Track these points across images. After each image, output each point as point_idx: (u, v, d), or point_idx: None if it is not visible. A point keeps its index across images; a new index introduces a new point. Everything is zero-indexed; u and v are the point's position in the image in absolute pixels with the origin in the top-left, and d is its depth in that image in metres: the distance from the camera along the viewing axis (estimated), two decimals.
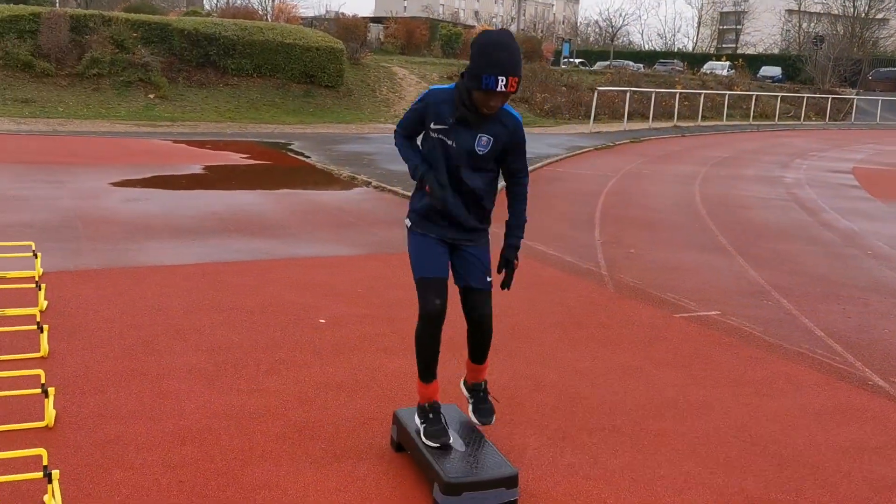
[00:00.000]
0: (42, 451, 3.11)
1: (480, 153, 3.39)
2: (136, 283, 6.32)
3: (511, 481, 3.35)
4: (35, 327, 4.76)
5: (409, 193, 10.79)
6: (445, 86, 3.43)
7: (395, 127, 3.65)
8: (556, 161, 16.79)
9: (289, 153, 15.91)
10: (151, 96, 23.50)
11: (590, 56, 65.48)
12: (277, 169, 13.99)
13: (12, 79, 22.74)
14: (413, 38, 38.36)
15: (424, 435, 3.51)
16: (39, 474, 3.05)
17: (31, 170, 11.82)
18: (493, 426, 4.11)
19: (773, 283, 7.53)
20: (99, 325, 5.32)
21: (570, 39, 59.72)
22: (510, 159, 3.49)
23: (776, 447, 4.10)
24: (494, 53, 3.14)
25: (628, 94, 28.09)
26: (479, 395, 3.77)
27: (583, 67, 49.63)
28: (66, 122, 19.76)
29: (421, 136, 3.54)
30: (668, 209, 11.75)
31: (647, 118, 29.21)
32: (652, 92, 29.92)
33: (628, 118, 27.89)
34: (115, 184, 11.10)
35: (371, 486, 3.49)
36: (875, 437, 4.29)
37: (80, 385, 4.35)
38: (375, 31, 38.94)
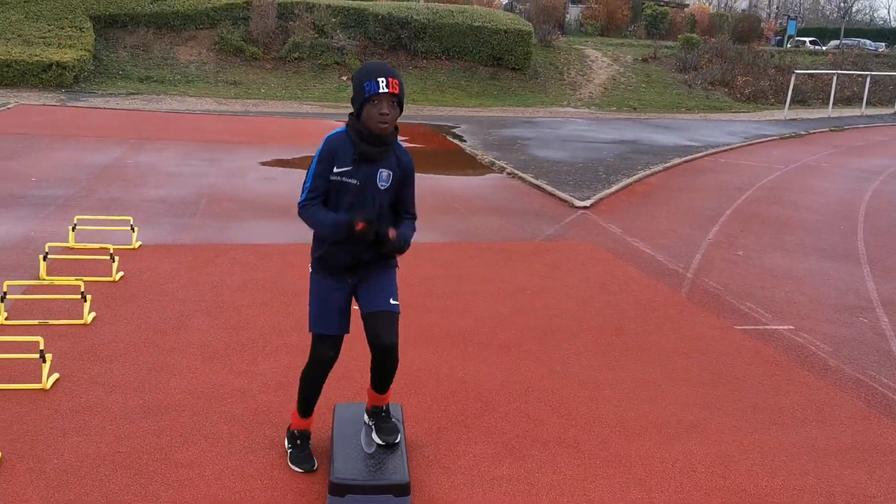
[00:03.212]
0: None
1: (382, 188, 3.40)
2: (212, 260, 6.79)
3: (402, 489, 3.31)
4: (80, 297, 5.28)
5: (538, 182, 10.72)
6: (338, 129, 3.42)
7: (299, 204, 3.43)
8: (723, 150, 15.77)
9: (447, 136, 16.18)
10: (344, 78, 24.76)
11: (823, 35, 60.22)
12: (424, 152, 14.28)
13: (225, 62, 24.88)
14: (613, 18, 37.34)
15: (291, 460, 3.65)
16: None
17: (200, 148, 12.92)
18: (444, 429, 4.06)
19: (886, 300, 6.69)
20: (151, 297, 5.79)
21: (796, 17, 55.10)
22: (401, 193, 3.49)
23: (748, 486, 3.70)
24: (368, 68, 3.31)
25: (835, 78, 25.64)
26: (380, 416, 3.69)
27: (812, 47, 45.80)
28: (262, 102, 21.31)
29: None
30: (819, 208, 10.71)
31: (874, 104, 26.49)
32: (867, 75, 27.09)
33: (848, 104, 25.48)
34: (264, 163, 11.88)
35: (286, 476, 3.58)
36: (887, 486, 3.75)
37: (97, 353, 4.78)
38: (574, 12, 38.31)
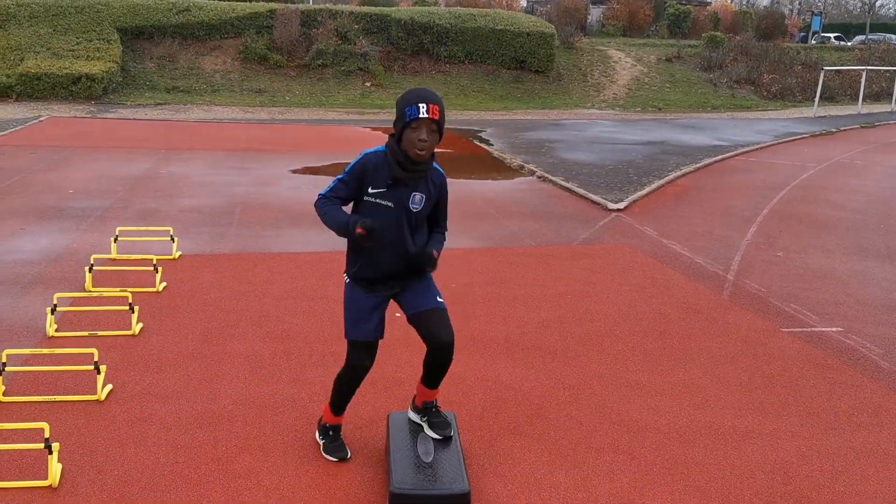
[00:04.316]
0: (44, 425, 3.52)
1: (415, 210, 3.46)
2: (251, 269, 6.82)
3: (462, 499, 3.29)
4: (127, 308, 5.33)
5: (569, 185, 10.69)
6: (377, 149, 3.47)
7: (319, 195, 3.55)
8: (754, 150, 15.63)
9: (474, 140, 16.17)
10: (368, 84, 24.85)
11: (847, 30, 59.53)
12: (452, 157, 14.28)
13: (249, 70, 25.04)
14: (636, 18, 37.15)
15: (324, 450, 3.78)
16: (41, 445, 3.48)
17: (230, 157, 13.01)
18: (497, 437, 4.05)
19: None
20: (196, 307, 5.83)
21: (820, 13, 54.54)
22: (435, 209, 3.60)
23: (810, 492, 3.65)
24: (412, 93, 3.39)
25: (864, 74, 25.34)
26: (431, 411, 3.74)
27: (838, 43, 45.29)
28: (287, 110, 21.42)
29: (350, 204, 3.56)
30: (858, 207, 10.57)
31: None
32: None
33: (877, 100, 25.17)
34: (294, 171, 11.94)
35: (343, 486, 3.58)
36: None
37: (147, 363, 4.82)
38: (596, 13, 38.20)
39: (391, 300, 3.64)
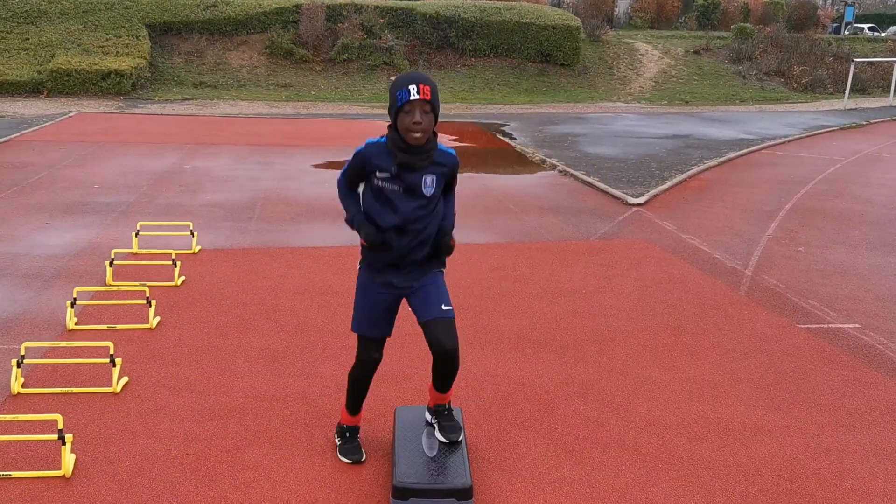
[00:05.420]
0: (58, 417, 3.61)
1: (428, 194, 3.45)
2: (269, 263, 6.90)
3: (464, 493, 3.33)
4: (145, 302, 5.42)
5: (590, 179, 10.65)
6: (379, 138, 3.48)
7: (340, 172, 3.65)
8: (781, 143, 15.44)
9: (497, 135, 16.15)
10: (392, 78, 24.82)
11: (882, 21, 58.41)
12: (475, 151, 14.28)
13: (275, 65, 25.20)
14: (664, 10, 36.78)
15: (339, 452, 3.79)
16: (55, 437, 3.57)
17: (253, 151, 13.11)
18: (503, 432, 4.07)
19: None
20: (213, 301, 5.91)
21: (853, 3, 53.59)
22: (445, 194, 3.61)
23: (816, 489, 3.63)
24: (401, 77, 3.39)
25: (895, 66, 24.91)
26: (443, 414, 3.73)
27: (871, 34, 44.50)
28: (312, 105, 21.53)
29: (362, 186, 3.60)
30: (884, 201, 10.43)
31: None
32: None
33: None
34: (316, 166, 12.01)
35: (349, 480, 3.63)
36: None
37: (163, 356, 4.91)
38: (623, 5, 37.90)
39: (403, 300, 3.62)
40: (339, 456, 3.79)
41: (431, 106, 3.30)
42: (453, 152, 3.54)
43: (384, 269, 3.55)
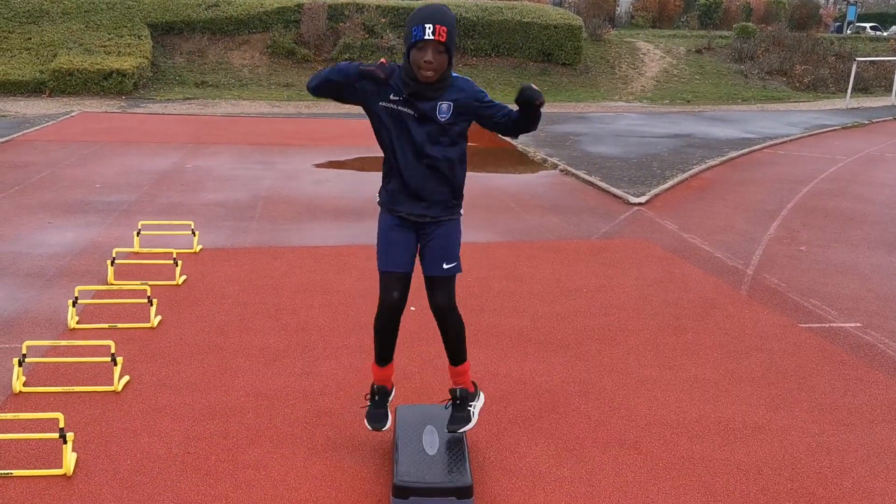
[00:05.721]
0: (59, 415, 3.61)
1: (443, 120, 3.35)
2: (270, 262, 6.90)
3: (464, 491, 3.33)
4: (146, 301, 5.42)
5: (591, 178, 10.65)
6: (399, 64, 3.39)
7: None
8: (782, 142, 15.42)
9: (498, 134, 16.12)
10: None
11: (884, 20, 58.35)
12: (476, 150, 14.26)
13: (277, 65, 25.21)
14: (666, 9, 36.75)
15: (365, 415, 3.71)
16: (56, 435, 3.57)
17: (255, 151, 13.11)
18: (503, 430, 4.08)
19: None
20: (214, 301, 5.91)
21: (856, 2, 53.50)
22: (486, 115, 3.43)
23: (816, 489, 3.63)
24: (420, 12, 3.23)
25: None
26: (456, 403, 3.71)
27: (873, 33, 44.44)
28: (313, 104, 21.49)
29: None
30: (885, 201, 10.42)
31: None
32: None
33: None
34: (318, 165, 12.02)
35: (349, 478, 3.63)
36: None
37: (164, 355, 4.91)
38: (625, 4, 37.88)
39: (419, 246, 3.57)
40: (365, 421, 3.69)
41: (446, 47, 3.20)
42: (468, 78, 3.43)
43: (398, 196, 3.48)
